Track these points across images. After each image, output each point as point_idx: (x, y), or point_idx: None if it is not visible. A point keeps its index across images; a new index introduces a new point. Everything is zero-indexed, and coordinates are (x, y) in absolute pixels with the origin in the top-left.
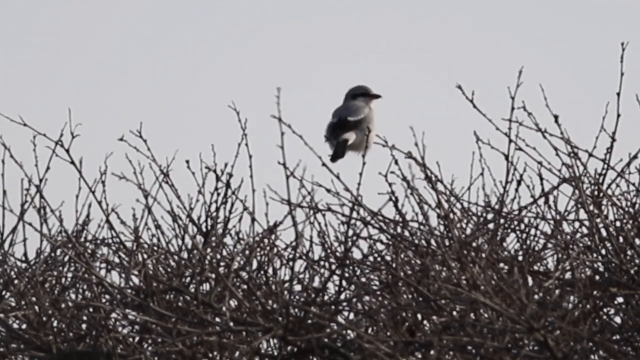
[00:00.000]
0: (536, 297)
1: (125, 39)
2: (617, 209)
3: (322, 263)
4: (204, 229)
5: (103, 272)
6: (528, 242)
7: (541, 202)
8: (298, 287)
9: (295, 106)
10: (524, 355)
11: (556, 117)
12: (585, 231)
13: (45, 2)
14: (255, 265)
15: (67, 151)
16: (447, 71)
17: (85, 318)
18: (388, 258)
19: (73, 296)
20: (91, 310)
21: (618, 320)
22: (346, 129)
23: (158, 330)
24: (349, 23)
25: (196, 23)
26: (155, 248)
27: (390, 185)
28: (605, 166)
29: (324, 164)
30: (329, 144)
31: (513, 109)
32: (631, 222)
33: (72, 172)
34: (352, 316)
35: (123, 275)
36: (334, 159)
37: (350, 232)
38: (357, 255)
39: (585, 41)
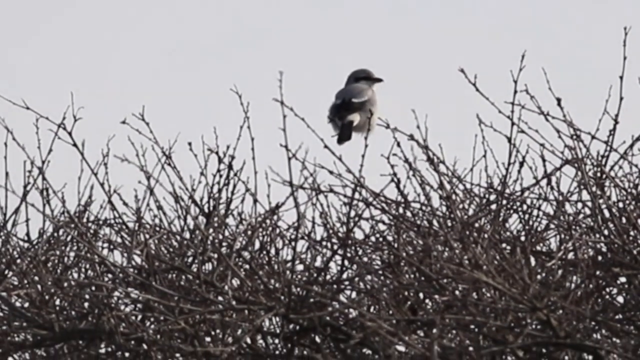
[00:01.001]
0: (538, 276)
1: (128, 22)
2: (620, 190)
3: (324, 243)
4: (206, 210)
5: (105, 252)
6: (530, 223)
7: (543, 183)
8: (300, 267)
9: (297, 88)
10: (527, 334)
11: (558, 100)
12: (588, 212)
13: None
14: (257, 245)
15: (70, 133)
16: (450, 54)
17: (87, 296)
18: (390, 238)
19: (75, 275)
20: (93, 288)
21: (620, 299)
22: (350, 110)
23: (160, 309)
24: (350, 5)
25: (200, 6)
26: (157, 228)
27: (392, 166)
28: (608, 148)
29: (326, 146)
30: (332, 124)
31: (515, 92)
32: (633, 203)
33: (74, 154)
34: (353, 295)
35: (125, 255)
36: (340, 141)
37: (352, 213)
38: (358, 235)
39: (587, 24)
